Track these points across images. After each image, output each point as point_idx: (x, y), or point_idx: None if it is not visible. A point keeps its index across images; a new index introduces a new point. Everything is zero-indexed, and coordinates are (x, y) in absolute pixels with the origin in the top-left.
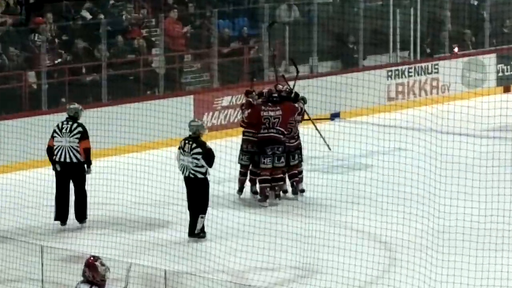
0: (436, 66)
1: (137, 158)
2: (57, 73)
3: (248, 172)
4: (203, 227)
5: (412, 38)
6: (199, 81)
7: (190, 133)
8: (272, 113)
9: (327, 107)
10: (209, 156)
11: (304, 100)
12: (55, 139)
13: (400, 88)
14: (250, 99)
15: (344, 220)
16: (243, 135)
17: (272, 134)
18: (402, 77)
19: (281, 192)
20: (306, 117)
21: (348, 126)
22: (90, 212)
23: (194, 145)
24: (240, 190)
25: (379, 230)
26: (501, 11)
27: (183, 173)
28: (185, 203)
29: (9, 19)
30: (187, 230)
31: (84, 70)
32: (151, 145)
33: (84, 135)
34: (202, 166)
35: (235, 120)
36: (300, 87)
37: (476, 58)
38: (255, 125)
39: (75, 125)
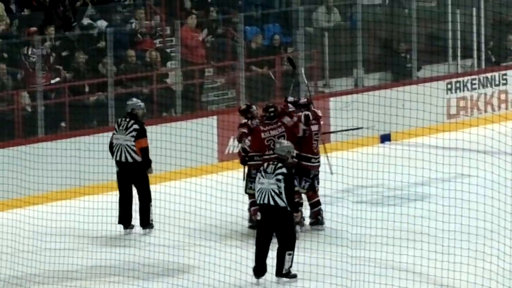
0: (505, 77)
1: (151, 191)
2: (55, 93)
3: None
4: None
5: (475, 44)
6: (223, 99)
7: (279, 154)
8: (273, 132)
9: (375, 127)
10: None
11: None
12: (114, 136)
13: (462, 103)
14: (247, 121)
15: (398, 261)
16: (250, 159)
17: None
18: (464, 90)
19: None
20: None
21: (401, 149)
22: (98, 256)
23: (279, 165)
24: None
25: (440, 271)
26: None
27: (260, 199)
28: (209, 244)
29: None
30: (211, 276)
31: (87, 89)
32: (168, 176)
33: (140, 134)
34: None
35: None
36: (343, 103)
37: None
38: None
39: (131, 122)
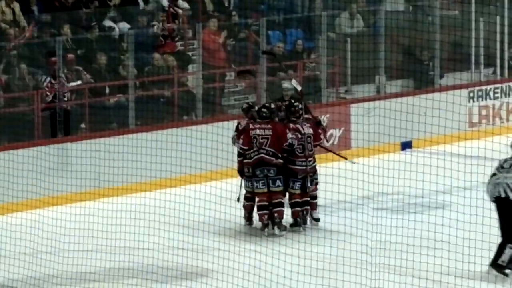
0: None
1: (171, 194)
2: (75, 95)
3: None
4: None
5: (498, 52)
6: (244, 103)
7: None
8: (259, 132)
9: (396, 134)
10: None
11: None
12: None
13: (484, 112)
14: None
15: (418, 268)
16: (245, 158)
17: (262, 155)
18: (486, 99)
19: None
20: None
21: (422, 156)
22: (116, 257)
23: None
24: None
25: (460, 280)
26: None
27: (494, 193)
28: (228, 248)
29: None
30: (229, 280)
31: (107, 91)
32: (188, 179)
33: None
34: None
35: None
36: (364, 109)
37: None
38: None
39: None
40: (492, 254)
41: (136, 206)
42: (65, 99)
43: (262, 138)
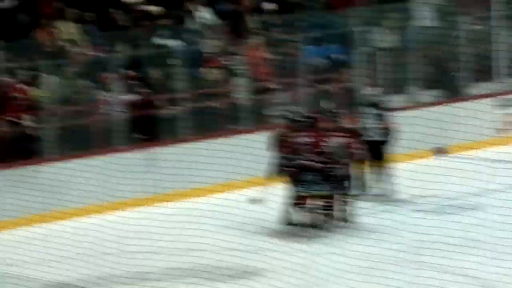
0: None
1: (224, 198)
2: (130, 107)
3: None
4: None
5: None
6: (287, 112)
7: None
8: (301, 139)
9: (429, 140)
10: None
11: None
12: None
13: (510, 119)
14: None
15: (455, 265)
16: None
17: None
18: (510, 107)
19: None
20: None
21: (456, 161)
22: (175, 258)
23: None
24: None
25: (495, 276)
26: None
27: None
28: (282, 249)
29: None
30: (284, 279)
31: (160, 104)
32: (238, 184)
33: None
34: None
35: None
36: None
37: None
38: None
39: None
40: None
41: (192, 211)
42: (120, 112)
43: (304, 145)
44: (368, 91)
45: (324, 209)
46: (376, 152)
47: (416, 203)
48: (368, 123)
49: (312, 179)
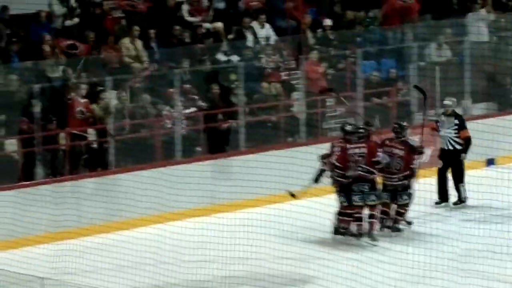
0: None
1: (279, 209)
2: (192, 120)
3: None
4: None
5: None
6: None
7: None
8: (356, 150)
9: (482, 151)
10: None
11: None
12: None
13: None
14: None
15: (503, 274)
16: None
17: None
18: None
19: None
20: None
21: (506, 172)
22: (229, 267)
23: None
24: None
25: None
26: None
27: None
28: (332, 258)
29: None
30: (332, 286)
31: (220, 117)
32: (293, 196)
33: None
34: None
35: None
36: None
37: None
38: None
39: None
40: None
41: (247, 221)
42: (182, 125)
43: (358, 156)
44: (448, 101)
45: (377, 218)
46: (454, 160)
47: (466, 213)
48: (447, 132)
49: (365, 189)
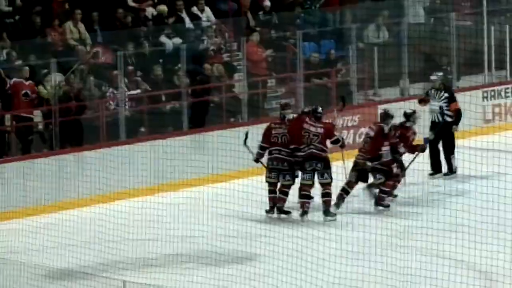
0: None
1: (222, 188)
2: (135, 102)
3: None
4: None
5: (508, 57)
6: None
7: None
8: (312, 129)
9: (420, 131)
10: None
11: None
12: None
13: (497, 110)
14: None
15: (441, 249)
16: (270, 154)
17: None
18: (498, 98)
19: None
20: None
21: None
22: (173, 245)
23: None
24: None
25: (478, 259)
26: None
27: None
28: (274, 235)
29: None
30: (275, 263)
31: (163, 98)
32: (236, 175)
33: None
34: None
35: None
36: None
37: None
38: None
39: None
40: (507, 236)
41: (190, 200)
42: (126, 106)
43: (313, 135)
44: (434, 76)
45: (323, 196)
46: (445, 132)
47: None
48: (437, 105)
49: (318, 168)
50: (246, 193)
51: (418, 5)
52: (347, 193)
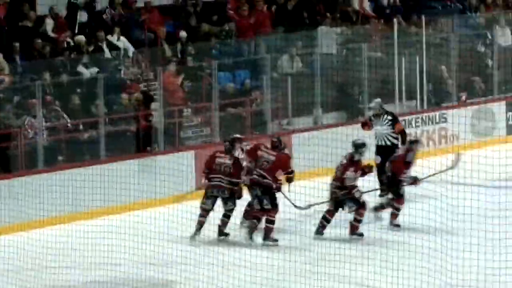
0: (444, 115)
1: (138, 216)
2: (53, 131)
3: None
4: None
5: (418, 87)
6: (200, 135)
7: None
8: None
9: (332, 159)
10: None
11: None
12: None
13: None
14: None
15: (354, 276)
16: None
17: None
18: (409, 127)
19: None
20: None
21: None
22: (91, 273)
23: None
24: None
25: (390, 286)
26: (509, 58)
27: None
28: (190, 262)
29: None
30: None
31: (81, 127)
32: (153, 203)
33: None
34: None
35: None
36: (305, 138)
37: (485, 106)
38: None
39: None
40: (417, 262)
41: (107, 227)
42: (44, 135)
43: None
44: (373, 104)
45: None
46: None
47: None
48: (381, 129)
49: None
50: (165, 221)
51: (331, 36)
52: (328, 221)
